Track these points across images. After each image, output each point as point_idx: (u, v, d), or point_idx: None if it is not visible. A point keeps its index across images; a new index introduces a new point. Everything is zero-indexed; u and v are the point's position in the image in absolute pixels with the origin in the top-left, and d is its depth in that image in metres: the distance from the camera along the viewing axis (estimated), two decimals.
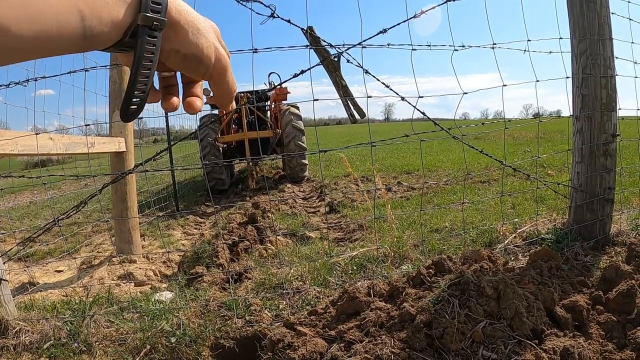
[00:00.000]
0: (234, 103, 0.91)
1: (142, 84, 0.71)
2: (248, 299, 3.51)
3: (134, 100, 0.72)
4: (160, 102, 0.84)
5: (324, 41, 3.43)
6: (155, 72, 0.79)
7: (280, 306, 3.48)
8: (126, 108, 0.72)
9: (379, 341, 2.53)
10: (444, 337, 2.43)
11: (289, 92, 13.03)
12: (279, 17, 3.16)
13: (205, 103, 12.25)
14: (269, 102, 12.86)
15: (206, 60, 0.79)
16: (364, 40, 3.25)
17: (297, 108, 12.23)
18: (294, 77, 3.25)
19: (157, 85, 0.85)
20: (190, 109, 0.87)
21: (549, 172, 9.07)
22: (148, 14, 0.65)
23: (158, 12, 0.66)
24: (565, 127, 21.48)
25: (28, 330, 3.29)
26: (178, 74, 0.88)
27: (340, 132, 62.05)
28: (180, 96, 0.88)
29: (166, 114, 9.81)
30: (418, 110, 3.45)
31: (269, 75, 12.86)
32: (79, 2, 0.58)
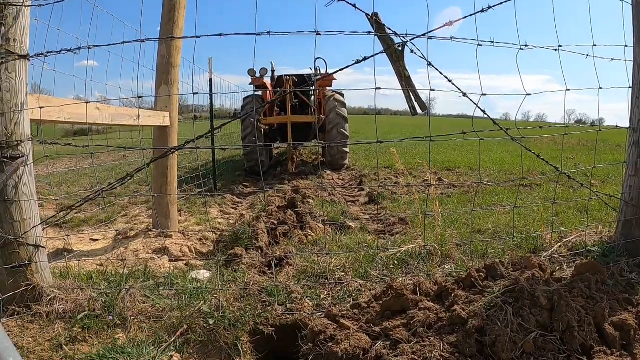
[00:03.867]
0: None
1: None
2: (289, 286, 3.44)
3: None
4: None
5: (389, 29, 3.31)
6: None
7: (322, 296, 3.40)
8: None
9: (427, 343, 2.43)
10: (496, 345, 2.33)
11: (335, 79, 12.93)
12: (344, 0, 3.06)
13: (250, 84, 12.28)
14: (314, 87, 12.79)
15: None
16: (430, 31, 3.13)
17: (342, 95, 12.15)
18: (356, 62, 3.13)
19: None
20: None
21: (593, 181, 8.84)
22: None
23: None
24: (609, 137, 21.20)
25: (62, 299, 3.24)
26: None
27: (381, 122, 61.89)
28: None
29: (211, 93, 9.80)
30: (479, 108, 3.32)
31: (315, 61, 12.78)
32: None
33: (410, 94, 3.64)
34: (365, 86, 3.04)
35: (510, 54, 3.52)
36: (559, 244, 4.27)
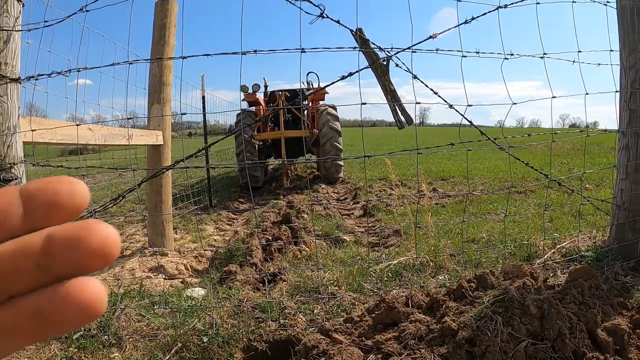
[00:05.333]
0: None
1: None
2: (282, 302, 3.46)
3: None
4: None
5: (374, 44, 3.35)
6: None
7: (315, 311, 3.42)
8: None
9: (418, 355, 2.45)
10: (486, 355, 2.35)
11: (327, 93, 12.97)
12: (328, 17, 3.10)
13: (242, 100, 12.29)
14: (306, 101, 12.82)
15: None
16: (414, 45, 3.17)
17: (335, 109, 12.18)
18: (341, 78, 3.18)
19: None
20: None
21: (587, 185, 8.87)
22: None
23: None
24: (604, 140, 21.23)
25: None
26: None
27: (375, 134, 61.95)
28: None
29: (204, 110, 9.83)
30: (465, 118, 3.37)
31: (307, 75, 12.83)
32: None
33: (396, 107, 3.68)
34: (357, 99, 3.08)
35: (512, 62, 3.57)
36: (553, 251, 4.30)
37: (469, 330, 2.50)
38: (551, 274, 3.76)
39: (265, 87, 13.62)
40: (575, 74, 3.88)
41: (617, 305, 2.88)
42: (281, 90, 12.08)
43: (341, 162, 12.17)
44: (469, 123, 3.46)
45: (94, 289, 0.38)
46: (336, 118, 11.89)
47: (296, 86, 13.54)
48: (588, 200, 4.33)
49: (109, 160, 11.82)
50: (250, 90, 12.42)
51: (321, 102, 12.82)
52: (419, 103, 3.28)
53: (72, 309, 0.37)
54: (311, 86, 12.89)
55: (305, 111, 12.86)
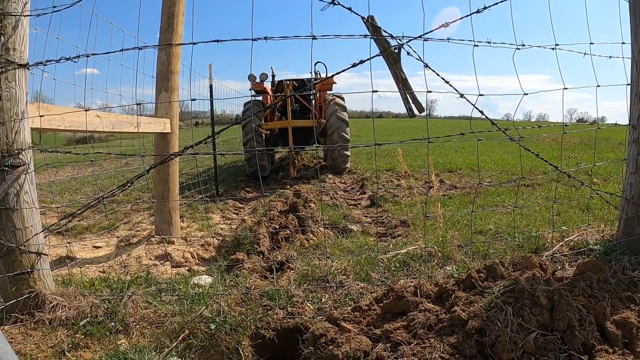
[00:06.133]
0: None
1: None
2: (290, 290, 3.45)
3: None
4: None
5: (385, 32, 3.32)
6: None
7: (323, 299, 3.40)
8: None
9: (428, 344, 2.44)
10: (496, 345, 2.34)
11: (335, 83, 12.95)
12: (339, 4, 3.07)
13: (250, 89, 12.31)
14: (314, 91, 12.81)
15: None
16: (426, 33, 3.14)
17: (342, 99, 12.16)
18: (352, 66, 3.15)
19: None
20: None
21: (595, 180, 8.82)
22: None
23: None
24: (611, 135, 21.18)
25: (65, 306, 3.26)
26: None
27: (382, 125, 61.78)
28: None
29: (211, 99, 9.83)
30: (477, 108, 3.33)
31: (314, 65, 12.80)
32: None
33: (408, 96, 3.65)
34: (365, 89, 3.07)
35: (509, 54, 3.54)
36: (561, 243, 4.27)
37: (478, 320, 2.48)
38: (559, 267, 3.73)
39: (273, 76, 13.61)
40: (584, 68, 3.85)
41: (625, 299, 2.86)
42: (289, 80, 12.06)
43: (348, 153, 12.16)
44: (479, 114, 3.43)
45: None
46: (344, 108, 11.87)
47: (304, 76, 13.51)
48: (597, 194, 4.30)
49: (116, 148, 11.84)
50: (258, 80, 12.41)
51: (329, 92, 12.79)
52: (430, 92, 3.25)
53: None
54: (319, 76, 12.86)
55: (313, 101, 12.84)
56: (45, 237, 3.48)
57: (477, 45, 3.30)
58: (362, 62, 3.11)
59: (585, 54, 3.74)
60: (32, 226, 3.22)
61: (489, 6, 3.30)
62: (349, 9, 3.11)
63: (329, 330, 2.74)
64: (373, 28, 3.27)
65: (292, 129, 11.06)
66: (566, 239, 4.36)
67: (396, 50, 3.36)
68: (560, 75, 3.67)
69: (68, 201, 9.03)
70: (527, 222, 5.62)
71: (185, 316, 3.13)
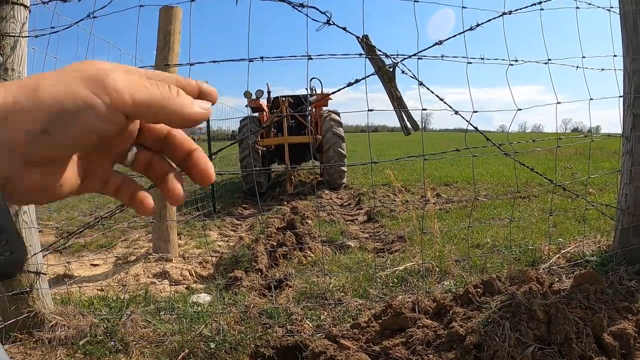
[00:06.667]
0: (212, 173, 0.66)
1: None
2: (289, 308, 3.46)
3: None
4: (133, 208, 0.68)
5: (380, 50, 3.36)
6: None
7: (322, 317, 3.42)
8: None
9: None
10: None
11: (331, 99, 13.00)
12: (334, 24, 3.10)
13: (246, 106, 12.31)
14: (310, 107, 12.86)
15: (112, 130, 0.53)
16: (420, 52, 3.18)
17: (338, 114, 12.19)
18: (348, 85, 3.18)
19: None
20: (174, 200, 0.66)
21: (590, 190, 8.85)
22: None
23: None
24: (607, 145, 21.22)
25: (64, 325, 3.27)
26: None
27: (378, 140, 61.87)
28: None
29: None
30: (471, 125, 3.36)
31: (310, 81, 12.84)
32: None
33: (403, 114, 3.68)
34: (360, 105, 3.11)
35: (504, 67, 3.57)
36: (558, 255, 4.29)
37: (476, 336, 2.50)
38: (556, 279, 3.76)
39: (269, 93, 13.65)
40: (577, 79, 3.89)
41: (622, 309, 2.88)
42: (284, 96, 12.10)
43: (344, 168, 12.18)
44: (474, 129, 3.46)
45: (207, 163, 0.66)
46: (339, 124, 11.90)
47: (300, 92, 13.55)
48: (592, 205, 4.33)
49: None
50: (254, 97, 12.46)
51: (324, 108, 12.83)
52: (425, 109, 3.29)
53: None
54: (314, 92, 12.91)
55: (309, 117, 12.88)
56: (44, 256, 3.49)
57: (470, 62, 3.34)
58: (357, 81, 3.15)
59: (577, 67, 3.79)
60: (30, 246, 3.23)
61: (482, 23, 3.34)
62: (344, 28, 3.14)
63: (328, 347, 2.75)
64: (367, 47, 3.31)
65: (289, 145, 11.09)
66: (563, 251, 4.38)
67: (391, 69, 3.39)
68: (553, 90, 3.71)
69: (65, 219, 9.04)
70: (524, 234, 5.63)
71: (185, 335, 3.13)
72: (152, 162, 0.65)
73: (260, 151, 11.66)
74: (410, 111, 3.73)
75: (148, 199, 0.66)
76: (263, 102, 13.14)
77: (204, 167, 0.65)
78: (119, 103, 0.51)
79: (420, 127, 3.78)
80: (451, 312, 2.89)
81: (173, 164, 0.66)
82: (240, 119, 12.53)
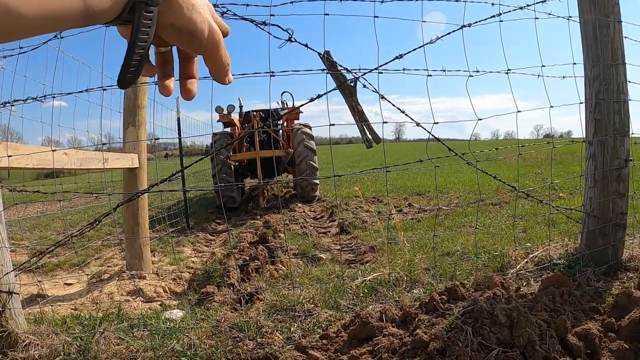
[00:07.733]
0: (230, 76, 0.97)
1: (139, 55, 0.77)
2: (260, 321, 3.50)
3: (131, 69, 0.78)
4: (157, 87, 0.93)
5: (341, 66, 3.44)
6: (153, 49, 0.89)
7: (292, 328, 3.46)
8: (123, 76, 0.79)
9: None
10: None
11: (301, 112, 13.08)
12: (296, 41, 3.18)
13: (217, 121, 12.35)
14: (281, 121, 12.92)
15: (200, 34, 0.83)
16: (380, 66, 3.26)
17: (309, 128, 12.26)
18: (310, 101, 3.26)
19: (153, 62, 0.92)
20: (187, 95, 0.94)
21: (561, 194, 9.00)
22: None
23: None
24: (577, 149, 21.42)
25: (37, 344, 3.27)
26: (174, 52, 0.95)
27: (351, 151, 61.97)
28: (177, 73, 0.95)
29: (179, 133, 9.85)
30: (433, 135, 3.44)
31: (281, 95, 12.91)
32: None
33: (364, 127, 3.76)
34: (332, 116, 3.17)
35: (487, 76, 3.65)
36: (526, 260, 4.36)
37: (440, 342, 2.57)
38: (524, 283, 3.84)
39: (240, 107, 13.69)
40: (543, 85, 3.97)
41: (589, 310, 2.97)
42: (256, 111, 12.15)
43: (317, 181, 12.24)
44: (443, 136, 3.54)
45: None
46: (311, 137, 11.97)
47: (272, 106, 13.61)
48: (557, 210, 4.43)
49: (85, 183, 11.80)
50: (225, 112, 12.51)
51: (295, 122, 12.91)
52: (386, 122, 3.36)
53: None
54: (286, 105, 12.98)
55: (281, 131, 12.94)
56: (16, 275, 3.51)
57: (430, 75, 3.42)
58: (319, 96, 3.22)
59: (538, 76, 3.88)
60: (2, 265, 3.25)
61: (442, 36, 3.44)
62: (306, 45, 3.22)
63: (297, 359, 2.81)
64: (329, 63, 3.38)
65: (261, 159, 11.13)
66: (531, 255, 4.46)
67: (352, 84, 3.47)
68: (513, 98, 3.81)
69: (38, 238, 8.98)
70: (494, 240, 5.71)
71: (157, 351, 3.16)
72: (168, 61, 0.94)
73: (232, 166, 11.70)
74: (372, 124, 3.81)
75: (172, 83, 0.93)
76: (235, 116, 13.18)
77: (190, 88, 0.94)
78: (215, 31, 0.86)
79: (382, 138, 3.86)
80: (416, 319, 2.96)
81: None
82: (213, 133, 12.56)
